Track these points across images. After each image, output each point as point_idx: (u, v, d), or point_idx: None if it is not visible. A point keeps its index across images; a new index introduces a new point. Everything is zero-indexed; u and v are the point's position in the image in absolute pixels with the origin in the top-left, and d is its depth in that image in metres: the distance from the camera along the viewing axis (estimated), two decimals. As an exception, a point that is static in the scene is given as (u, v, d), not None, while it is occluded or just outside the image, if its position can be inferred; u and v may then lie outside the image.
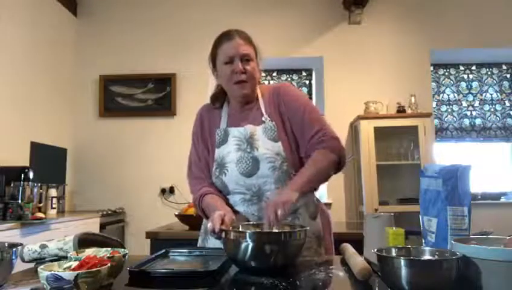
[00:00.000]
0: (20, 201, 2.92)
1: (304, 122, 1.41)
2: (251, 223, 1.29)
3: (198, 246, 1.51)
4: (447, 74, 4.57)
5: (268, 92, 1.49)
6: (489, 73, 4.56)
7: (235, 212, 1.37)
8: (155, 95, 4.37)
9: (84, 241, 1.16)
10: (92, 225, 3.55)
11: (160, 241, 2.22)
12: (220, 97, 1.53)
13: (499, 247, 0.86)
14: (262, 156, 1.37)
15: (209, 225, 1.20)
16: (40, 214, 2.97)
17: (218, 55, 1.42)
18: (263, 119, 1.43)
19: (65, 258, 1.06)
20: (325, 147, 1.37)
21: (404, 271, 0.80)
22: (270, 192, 1.37)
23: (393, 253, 0.92)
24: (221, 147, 1.44)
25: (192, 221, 2.31)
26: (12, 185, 2.99)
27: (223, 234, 1.11)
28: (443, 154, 4.40)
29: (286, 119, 1.44)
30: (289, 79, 4.60)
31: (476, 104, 4.52)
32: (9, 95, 3.44)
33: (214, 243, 1.43)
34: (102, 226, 3.71)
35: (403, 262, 0.80)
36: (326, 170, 1.38)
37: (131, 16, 4.47)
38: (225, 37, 1.42)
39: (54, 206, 3.50)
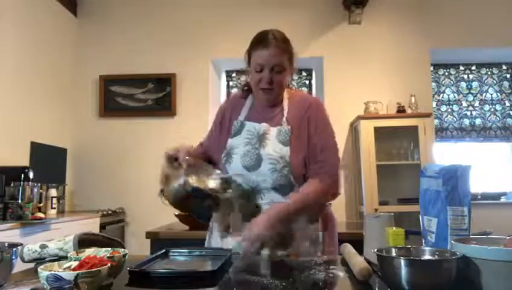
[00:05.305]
0: (20, 201, 2.92)
1: (316, 147, 1.43)
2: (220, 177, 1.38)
3: (206, 244, 1.53)
4: (447, 74, 4.57)
5: (298, 99, 1.51)
6: (489, 73, 4.55)
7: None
8: (155, 95, 4.37)
9: (84, 241, 1.16)
10: (92, 225, 3.55)
11: (160, 241, 2.22)
12: (248, 88, 1.54)
13: (499, 247, 0.86)
14: (266, 155, 1.39)
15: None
16: (40, 214, 2.97)
17: (252, 57, 1.44)
18: (281, 122, 1.45)
19: (65, 258, 1.06)
20: (322, 181, 1.39)
21: (404, 271, 0.80)
22: (266, 191, 1.40)
23: (393, 253, 0.92)
24: (233, 138, 1.48)
25: (192, 221, 2.31)
26: (12, 185, 2.99)
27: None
28: (443, 154, 4.39)
29: (305, 131, 1.44)
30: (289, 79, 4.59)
31: (476, 104, 4.51)
32: (10, 95, 3.44)
33: (216, 242, 1.45)
34: (102, 226, 3.71)
35: (403, 262, 0.80)
36: (312, 205, 1.39)
37: (131, 16, 4.47)
38: (262, 42, 1.41)
39: (54, 206, 3.50)
